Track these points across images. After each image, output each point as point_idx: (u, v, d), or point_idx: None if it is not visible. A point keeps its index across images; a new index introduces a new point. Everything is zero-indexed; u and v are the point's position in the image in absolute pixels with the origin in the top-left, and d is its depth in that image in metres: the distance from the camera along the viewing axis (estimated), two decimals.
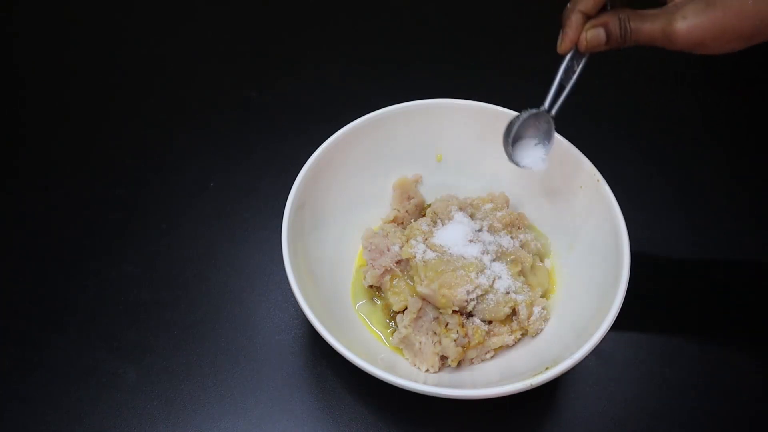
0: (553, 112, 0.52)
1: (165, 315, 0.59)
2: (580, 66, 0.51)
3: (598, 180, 0.54)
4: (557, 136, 0.57)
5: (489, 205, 0.59)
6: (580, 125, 0.69)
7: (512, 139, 0.52)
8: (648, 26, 0.45)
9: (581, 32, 0.48)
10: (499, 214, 0.57)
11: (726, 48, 0.43)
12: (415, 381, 0.44)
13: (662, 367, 0.57)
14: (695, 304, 0.61)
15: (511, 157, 0.53)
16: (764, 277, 0.63)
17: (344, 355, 0.45)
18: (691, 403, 0.55)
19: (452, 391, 0.44)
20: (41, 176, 0.71)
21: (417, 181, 0.63)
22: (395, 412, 0.54)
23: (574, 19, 0.49)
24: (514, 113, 0.59)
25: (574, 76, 0.51)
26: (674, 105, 0.79)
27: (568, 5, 0.49)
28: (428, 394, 0.44)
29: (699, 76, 0.82)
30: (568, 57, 0.50)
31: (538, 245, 0.58)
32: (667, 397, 0.55)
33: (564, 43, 0.50)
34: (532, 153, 0.54)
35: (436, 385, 0.45)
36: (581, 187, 0.56)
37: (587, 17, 0.48)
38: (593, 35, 0.48)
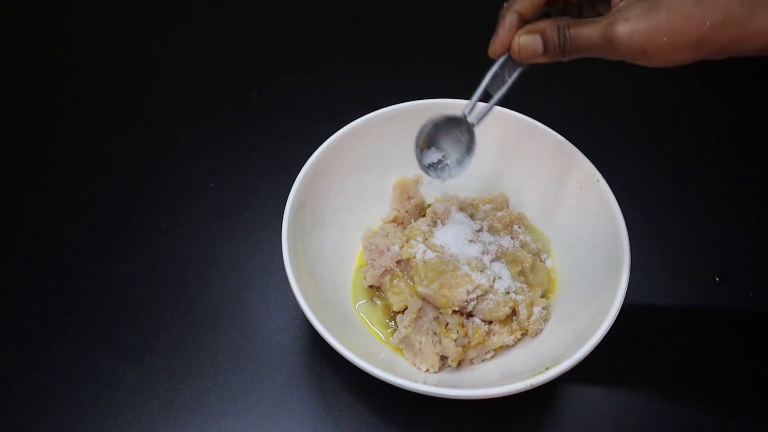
0: (475, 121, 0.48)
1: (165, 315, 0.59)
2: (513, 77, 0.46)
3: (598, 180, 0.54)
4: (557, 136, 0.57)
5: (489, 206, 0.59)
6: (579, 125, 0.69)
7: (421, 142, 0.48)
8: (587, 31, 0.41)
9: (514, 36, 0.44)
10: (499, 214, 0.57)
11: (671, 57, 0.39)
12: (415, 381, 0.44)
13: (662, 368, 0.57)
14: (695, 305, 0.61)
15: (420, 163, 0.49)
16: (765, 277, 0.63)
17: (344, 355, 0.45)
18: (691, 403, 0.55)
19: (452, 391, 0.44)
20: (41, 176, 0.71)
21: (417, 181, 0.63)
22: (395, 412, 0.54)
23: (508, 20, 0.44)
24: (514, 113, 0.59)
25: (504, 87, 0.46)
26: (674, 104, 0.79)
27: (505, 4, 0.45)
28: (428, 394, 0.44)
29: (700, 75, 0.82)
30: (498, 62, 0.45)
31: (538, 245, 0.58)
32: (667, 397, 0.55)
33: (494, 45, 0.45)
34: (447, 162, 0.50)
35: (436, 385, 0.45)
36: (581, 187, 0.56)
37: (524, 20, 0.44)
38: (527, 42, 0.43)
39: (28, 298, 0.61)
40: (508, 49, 0.45)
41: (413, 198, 0.61)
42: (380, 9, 0.91)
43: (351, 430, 0.53)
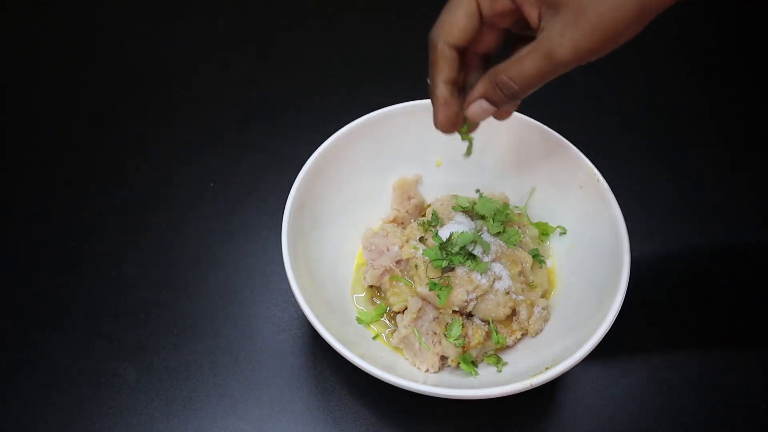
0: None
1: (165, 315, 0.60)
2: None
3: (598, 180, 0.54)
4: (557, 136, 0.57)
5: None
6: (580, 125, 0.69)
7: None
8: (527, 66, 0.38)
9: (457, 108, 0.43)
10: None
11: (621, 41, 0.37)
12: (415, 381, 0.44)
13: (662, 368, 0.57)
14: (695, 304, 0.61)
15: None
16: (765, 277, 0.63)
17: (344, 355, 0.45)
18: (691, 403, 0.55)
19: (452, 391, 0.44)
20: (41, 176, 0.71)
21: (417, 181, 0.63)
22: (395, 412, 0.54)
23: (441, 96, 0.43)
24: (515, 113, 0.59)
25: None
26: (674, 105, 0.79)
27: (428, 80, 0.43)
28: (428, 394, 0.44)
29: (700, 75, 0.82)
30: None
31: (538, 246, 0.58)
32: (667, 397, 0.55)
33: (441, 124, 0.44)
34: None
35: (436, 385, 0.45)
36: (581, 187, 0.56)
37: (456, 85, 0.43)
38: (476, 111, 0.42)
39: (28, 298, 0.61)
40: (459, 121, 0.45)
41: (413, 198, 0.61)
42: (380, 9, 0.91)
43: (351, 430, 0.53)
